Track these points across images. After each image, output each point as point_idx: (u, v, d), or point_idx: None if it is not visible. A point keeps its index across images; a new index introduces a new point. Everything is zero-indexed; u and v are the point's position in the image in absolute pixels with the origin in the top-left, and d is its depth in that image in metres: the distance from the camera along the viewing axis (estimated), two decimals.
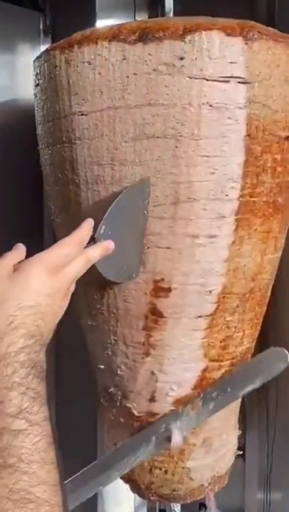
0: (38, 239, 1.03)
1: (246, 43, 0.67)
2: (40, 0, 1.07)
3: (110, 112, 0.68)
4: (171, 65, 0.66)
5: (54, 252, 0.57)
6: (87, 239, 0.62)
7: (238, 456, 0.94)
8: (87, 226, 0.62)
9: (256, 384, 0.76)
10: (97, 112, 0.69)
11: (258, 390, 0.98)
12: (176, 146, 0.67)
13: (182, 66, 0.66)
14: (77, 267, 0.59)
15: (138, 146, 0.68)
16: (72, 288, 0.61)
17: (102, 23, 0.94)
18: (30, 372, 0.50)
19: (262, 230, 0.74)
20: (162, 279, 0.73)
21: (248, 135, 0.69)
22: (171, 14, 0.82)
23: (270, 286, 0.83)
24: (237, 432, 0.92)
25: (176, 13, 0.81)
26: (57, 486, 0.48)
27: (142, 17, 0.99)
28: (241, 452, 0.95)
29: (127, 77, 0.67)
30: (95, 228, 0.65)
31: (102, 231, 0.66)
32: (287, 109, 0.72)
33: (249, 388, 0.77)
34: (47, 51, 0.75)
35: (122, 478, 0.89)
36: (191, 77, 0.66)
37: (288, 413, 0.93)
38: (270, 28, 0.72)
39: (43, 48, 1.05)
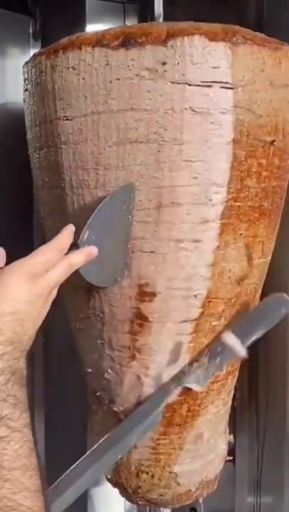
0: (28, 241, 1.04)
1: (230, 48, 0.67)
2: (30, 4, 1.07)
3: (94, 116, 0.69)
4: (154, 70, 0.66)
5: (34, 259, 0.58)
6: (68, 245, 0.62)
7: (228, 460, 0.93)
8: (67, 232, 0.62)
9: (259, 333, 0.74)
10: (81, 116, 0.70)
11: (248, 393, 0.99)
12: (159, 151, 0.67)
13: (164, 71, 0.66)
14: (59, 273, 0.60)
15: (121, 151, 0.68)
16: (54, 294, 0.62)
17: (91, 28, 0.95)
18: (10, 379, 0.50)
19: (247, 234, 0.74)
20: (146, 284, 0.73)
21: (232, 140, 0.69)
22: (161, 19, 0.82)
23: (259, 291, 0.83)
24: (227, 437, 0.91)
25: (166, 17, 0.81)
26: (38, 492, 0.49)
27: (132, 22, 0.99)
28: (231, 458, 0.95)
29: (110, 82, 0.67)
30: (79, 233, 0.66)
31: (85, 236, 0.66)
32: (273, 114, 0.72)
33: (253, 338, 0.74)
34: (34, 56, 0.76)
35: (110, 481, 0.89)
36: (173, 82, 0.66)
37: (278, 417, 0.93)
38: (256, 33, 0.72)
39: (32, 52, 1.05)
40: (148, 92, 0.66)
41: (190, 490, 0.85)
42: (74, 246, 0.65)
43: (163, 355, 0.77)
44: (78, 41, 0.69)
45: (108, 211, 0.69)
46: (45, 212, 0.82)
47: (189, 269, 0.72)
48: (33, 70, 0.75)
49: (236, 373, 0.86)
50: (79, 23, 0.96)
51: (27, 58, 0.78)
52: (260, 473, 0.95)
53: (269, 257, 0.82)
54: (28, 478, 0.48)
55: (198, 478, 0.85)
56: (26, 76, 0.78)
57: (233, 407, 0.92)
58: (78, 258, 0.63)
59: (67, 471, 0.74)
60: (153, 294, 0.74)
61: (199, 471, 0.85)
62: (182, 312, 0.74)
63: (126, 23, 0.99)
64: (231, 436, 1.00)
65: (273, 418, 0.94)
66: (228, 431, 0.92)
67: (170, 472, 0.83)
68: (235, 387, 0.90)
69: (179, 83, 0.66)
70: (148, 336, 0.76)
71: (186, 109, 0.66)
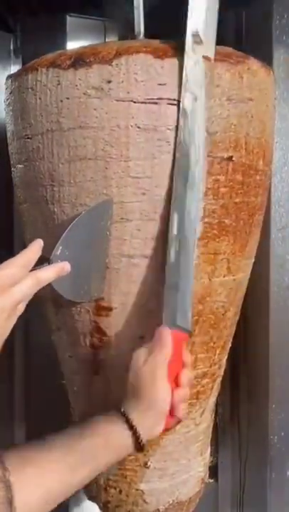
0: (8, 251, 1.07)
1: (179, 65, 0.67)
2: (10, 21, 1.09)
3: (49, 135, 0.71)
4: (100, 88, 0.67)
5: None
6: (35, 260, 0.62)
7: (210, 477, 0.91)
8: (34, 247, 0.62)
9: None
10: (38, 135, 0.72)
11: (229, 411, 0.96)
12: (107, 168, 0.68)
13: (110, 89, 0.67)
14: (25, 288, 0.59)
15: (72, 168, 0.70)
16: (21, 308, 0.61)
17: (72, 45, 0.96)
18: None
19: (206, 251, 0.73)
20: (102, 298, 0.74)
21: None
22: (142, 36, 0.83)
23: (231, 309, 0.81)
24: (205, 459, 0.89)
25: (148, 35, 0.82)
26: None
27: (112, 39, 1.00)
28: (212, 480, 0.92)
29: (61, 101, 0.69)
30: (52, 248, 0.66)
31: (58, 252, 0.66)
32: (232, 130, 0.71)
33: None
34: (7, 78, 0.79)
35: (86, 494, 0.90)
36: (118, 100, 0.67)
37: (260, 433, 0.89)
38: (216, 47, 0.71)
39: (13, 68, 1.08)
40: (94, 110, 0.67)
41: (158, 509, 0.84)
42: (46, 261, 0.65)
43: (124, 370, 0.76)
44: (38, 63, 0.72)
45: (84, 227, 0.69)
46: (22, 225, 0.85)
47: (142, 285, 0.72)
48: (6, 91, 0.79)
49: (211, 393, 0.84)
50: (60, 40, 0.97)
51: (7, 75, 0.82)
52: (242, 491, 0.92)
53: (240, 275, 0.80)
54: None
55: (167, 498, 0.84)
56: (4, 97, 0.82)
57: (214, 423, 0.89)
58: (48, 274, 0.63)
59: None
60: (109, 309, 0.74)
61: (169, 491, 0.84)
62: (139, 328, 0.74)
63: (106, 40, 1.00)
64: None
65: (255, 433, 0.91)
66: (209, 452, 0.90)
67: (136, 489, 0.82)
68: (216, 404, 0.88)
69: (124, 101, 0.67)
70: (107, 350, 0.76)
71: (131, 126, 0.67)
